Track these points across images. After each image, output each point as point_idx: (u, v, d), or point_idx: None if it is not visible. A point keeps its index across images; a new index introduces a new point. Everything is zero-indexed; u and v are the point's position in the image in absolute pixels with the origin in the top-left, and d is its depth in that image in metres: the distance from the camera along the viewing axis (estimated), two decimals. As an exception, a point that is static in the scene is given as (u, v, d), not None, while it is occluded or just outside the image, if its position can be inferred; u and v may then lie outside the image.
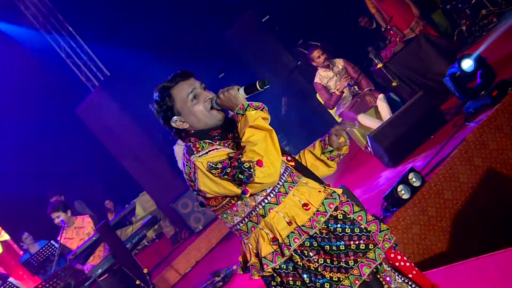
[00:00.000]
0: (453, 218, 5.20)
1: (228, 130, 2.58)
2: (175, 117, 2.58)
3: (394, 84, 7.05)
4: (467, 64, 5.64)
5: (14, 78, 11.66)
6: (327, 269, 2.43)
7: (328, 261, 2.44)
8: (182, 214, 10.12)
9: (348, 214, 2.52)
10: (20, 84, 11.79)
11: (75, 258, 6.46)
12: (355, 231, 2.48)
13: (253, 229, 2.53)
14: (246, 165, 2.32)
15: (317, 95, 7.76)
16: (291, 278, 2.48)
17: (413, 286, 2.71)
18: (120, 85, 11.21)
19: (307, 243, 2.45)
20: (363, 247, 2.46)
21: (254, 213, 2.50)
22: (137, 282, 6.42)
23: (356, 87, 7.26)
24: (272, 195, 2.49)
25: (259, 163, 2.31)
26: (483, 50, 6.20)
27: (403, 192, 5.11)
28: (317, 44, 7.70)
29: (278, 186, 2.50)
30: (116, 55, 11.52)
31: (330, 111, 7.69)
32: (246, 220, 2.52)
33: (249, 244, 2.56)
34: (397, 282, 2.64)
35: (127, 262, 6.55)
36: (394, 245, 2.58)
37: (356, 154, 7.59)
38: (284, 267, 2.48)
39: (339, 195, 2.57)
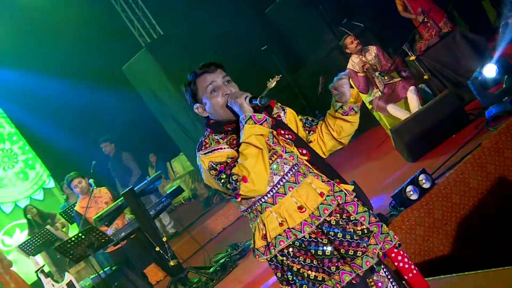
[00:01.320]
0: (459, 223, 5.27)
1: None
2: (197, 104, 2.74)
3: (425, 77, 7.07)
4: (490, 70, 5.62)
5: (69, 28, 12.06)
6: (312, 269, 2.58)
7: (315, 262, 2.59)
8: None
9: (351, 214, 2.64)
10: (74, 34, 12.16)
11: (100, 220, 6.81)
12: (346, 237, 2.58)
13: (254, 219, 2.70)
14: (234, 177, 2.49)
15: (350, 80, 7.82)
16: (279, 272, 2.67)
17: None
18: (168, 47, 11.40)
19: (297, 243, 2.60)
20: (352, 253, 2.57)
21: (253, 208, 2.66)
22: (157, 248, 6.74)
23: (386, 77, 7.29)
24: (269, 195, 2.62)
25: (244, 179, 2.47)
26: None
27: (411, 192, 5.20)
28: (349, 33, 7.70)
29: (278, 186, 2.61)
30: (171, 16, 11.74)
31: (362, 97, 7.76)
32: (249, 210, 2.69)
33: (252, 230, 2.74)
34: None
35: (149, 228, 6.85)
36: (397, 244, 2.69)
37: (384, 141, 7.66)
38: (274, 261, 2.66)
39: (346, 194, 2.67)
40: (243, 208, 2.72)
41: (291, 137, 2.74)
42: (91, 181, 7.30)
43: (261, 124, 2.54)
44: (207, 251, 7.99)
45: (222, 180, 2.53)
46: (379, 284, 2.67)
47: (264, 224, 2.64)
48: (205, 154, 2.63)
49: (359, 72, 7.48)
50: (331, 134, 2.85)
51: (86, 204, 7.20)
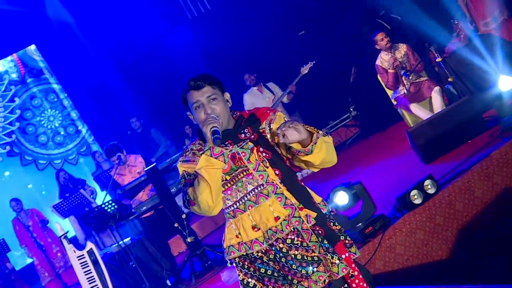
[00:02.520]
0: (460, 230, 5.42)
1: (222, 140, 2.81)
2: (189, 112, 2.97)
3: (450, 79, 7.14)
4: (506, 83, 5.69)
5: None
6: (259, 281, 2.82)
7: (257, 273, 2.82)
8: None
9: (304, 241, 2.78)
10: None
11: (123, 193, 7.15)
12: (288, 263, 2.76)
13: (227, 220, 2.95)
14: (187, 197, 2.75)
15: (378, 76, 7.94)
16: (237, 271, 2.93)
17: None
18: (212, 23, 11.59)
19: (249, 256, 2.84)
20: (290, 279, 2.76)
21: (223, 214, 2.93)
22: (176, 224, 7.05)
23: (411, 76, 7.38)
24: (231, 208, 2.86)
25: (191, 203, 2.74)
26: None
27: (416, 197, 5.36)
28: (387, 27, 7.82)
29: (240, 203, 2.83)
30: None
31: (388, 92, 7.89)
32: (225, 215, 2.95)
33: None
34: None
35: (170, 204, 7.16)
36: (350, 275, 2.86)
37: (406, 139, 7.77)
38: (234, 265, 2.93)
39: (303, 221, 2.79)
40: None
41: (267, 156, 2.86)
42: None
43: (216, 158, 2.72)
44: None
45: (182, 193, 2.81)
46: None
47: (226, 231, 2.91)
48: (181, 162, 2.89)
49: (389, 69, 7.58)
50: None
51: (121, 172, 7.56)
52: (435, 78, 7.68)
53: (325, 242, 2.83)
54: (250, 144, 2.85)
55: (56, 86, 14.60)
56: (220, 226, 8.89)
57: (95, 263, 6.79)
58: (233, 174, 2.83)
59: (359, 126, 10.35)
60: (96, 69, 12.94)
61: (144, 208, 7.16)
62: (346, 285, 2.89)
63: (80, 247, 6.87)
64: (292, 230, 2.81)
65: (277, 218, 2.79)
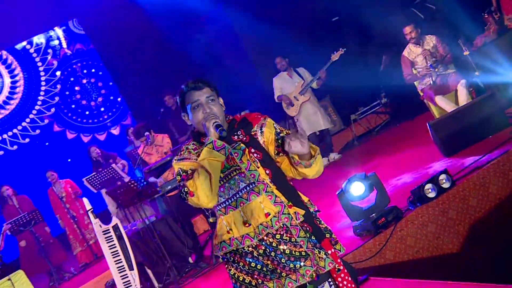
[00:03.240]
0: (472, 225, 5.49)
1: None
2: (184, 113, 3.11)
3: (476, 73, 7.14)
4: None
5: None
6: (248, 275, 2.95)
7: (247, 267, 2.95)
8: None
9: (292, 236, 2.93)
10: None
11: (149, 172, 7.38)
12: (277, 258, 2.91)
13: (217, 218, 3.08)
14: (185, 189, 2.87)
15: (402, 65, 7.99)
16: (227, 267, 3.05)
17: None
18: (248, 6, 11.68)
19: (240, 251, 2.97)
20: (279, 272, 2.90)
21: (214, 212, 3.06)
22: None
23: (437, 69, 7.41)
24: (223, 205, 2.98)
25: (191, 193, 2.85)
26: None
27: (430, 190, 5.44)
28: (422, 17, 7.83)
29: (231, 200, 2.96)
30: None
31: (415, 83, 7.93)
32: (214, 213, 3.09)
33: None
34: None
35: (194, 185, 7.34)
36: (336, 269, 2.98)
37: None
38: (226, 258, 3.05)
39: (292, 218, 2.93)
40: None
41: (259, 156, 3.00)
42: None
43: (218, 151, 2.86)
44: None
45: (179, 188, 2.94)
46: None
47: (217, 228, 3.03)
48: (177, 160, 3.03)
49: (416, 58, 7.61)
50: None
51: (148, 151, 7.80)
52: (463, 71, 7.66)
53: (313, 238, 2.96)
54: (242, 146, 2.99)
55: (96, 61, 14.95)
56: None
57: (120, 238, 7.04)
58: (226, 173, 2.96)
59: (389, 114, 10.39)
60: (137, 45, 13.18)
61: (169, 187, 7.37)
62: (330, 279, 3.01)
63: (110, 221, 7.13)
64: (282, 226, 2.94)
65: (267, 215, 2.92)
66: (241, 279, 2.97)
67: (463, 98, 7.26)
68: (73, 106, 14.81)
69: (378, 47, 10.02)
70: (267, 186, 2.97)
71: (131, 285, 6.96)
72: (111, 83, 15.08)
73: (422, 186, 5.42)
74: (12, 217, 10.19)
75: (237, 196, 2.95)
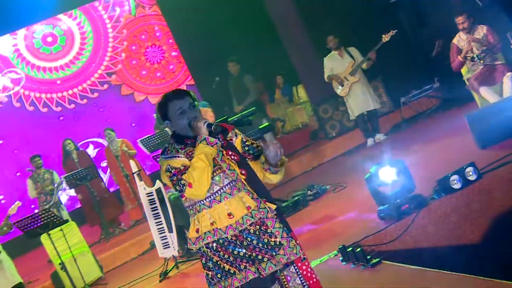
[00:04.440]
0: (495, 219, 5.57)
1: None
2: (167, 121, 3.42)
3: (523, 67, 7.15)
4: None
5: None
6: (227, 263, 3.28)
7: (230, 258, 3.29)
8: (321, 117, 11.06)
9: (268, 228, 3.30)
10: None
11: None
12: (259, 245, 3.27)
13: (192, 216, 3.40)
14: (182, 182, 3.18)
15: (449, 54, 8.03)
16: (203, 259, 3.38)
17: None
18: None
19: (220, 241, 3.30)
20: (260, 258, 3.26)
21: (194, 207, 3.36)
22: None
23: (482, 60, 7.43)
24: (208, 199, 3.30)
25: (189, 185, 3.15)
26: None
27: (455, 182, 5.58)
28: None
29: (216, 194, 3.29)
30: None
31: (462, 72, 7.98)
32: (190, 208, 3.39)
33: (190, 223, 3.45)
34: (296, 283, 3.38)
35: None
36: (302, 258, 3.36)
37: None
38: (201, 250, 3.36)
39: (268, 211, 3.31)
40: (186, 204, 3.40)
41: (236, 158, 3.38)
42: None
43: (211, 146, 3.21)
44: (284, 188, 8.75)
45: (173, 182, 3.24)
46: (288, 278, 3.37)
47: (199, 221, 3.34)
48: (165, 158, 3.32)
49: (460, 55, 7.65)
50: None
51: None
52: (511, 64, 7.65)
53: (285, 228, 3.35)
54: (221, 148, 3.34)
55: (161, 23, 15.40)
56: (279, 184, 9.26)
57: (162, 201, 7.46)
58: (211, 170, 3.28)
59: (440, 99, 10.42)
60: (203, 9, 13.50)
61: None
62: (294, 265, 3.38)
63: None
64: (259, 218, 3.30)
65: (248, 207, 3.29)
66: (222, 266, 3.30)
67: (508, 91, 7.28)
68: (136, 66, 15.31)
69: (434, 32, 9.98)
70: (245, 185, 3.36)
71: (169, 247, 7.39)
72: (174, 48, 15.50)
73: (448, 176, 5.57)
74: (71, 171, 10.80)
75: (222, 191, 3.30)
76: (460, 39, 7.75)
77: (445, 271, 4.41)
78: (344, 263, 5.19)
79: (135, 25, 15.32)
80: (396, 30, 9.20)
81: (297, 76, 13.20)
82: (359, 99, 9.78)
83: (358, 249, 5.03)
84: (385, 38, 9.26)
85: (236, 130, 3.53)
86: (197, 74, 15.14)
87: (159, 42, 15.49)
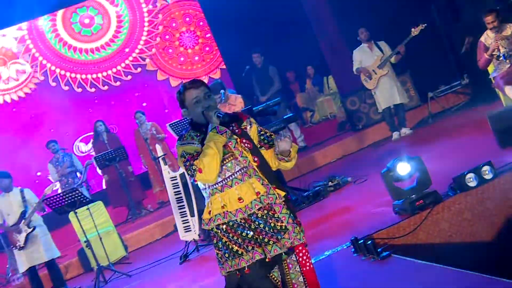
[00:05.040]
0: (508, 218, 5.67)
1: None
2: (184, 109, 3.64)
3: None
4: None
5: None
6: (236, 244, 3.47)
7: (239, 240, 3.48)
8: (348, 109, 11.14)
9: (275, 213, 3.50)
10: None
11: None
12: (266, 229, 3.46)
13: (207, 198, 3.62)
14: (193, 167, 3.38)
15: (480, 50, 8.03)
16: (214, 239, 3.58)
17: (304, 278, 3.61)
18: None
19: (230, 223, 3.50)
20: (266, 240, 3.45)
21: (208, 190, 3.58)
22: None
23: (508, 60, 7.43)
24: (220, 184, 3.51)
25: (200, 170, 3.36)
26: None
27: (471, 179, 5.64)
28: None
29: (228, 180, 3.50)
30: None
31: (489, 70, 7.99)
32: (206, 191, 3.61)
33: (206, 205, 3.66)
34: (296, 271, 3.60)
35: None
36: (304, 244, 3.56)
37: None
38: (213, 231, 3.57)
39: (276, 197, 3.51)
40: (202, 187, 3.62)
41: (249, 146, 3.56)
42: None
43: (221, 134, 3.41)
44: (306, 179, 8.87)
45: (186, 167, 3.44)
46: (290, 265, 3.60)
47: (211, 204, 3.55)
48: (181, 144, 3.53)
49: (486, 52, 7.66)
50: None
51: (221, 108, 8.30)
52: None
53: (292, 215, 3.55)
54: (235, 136, 3.54)
55: (197, 9, 15.59)
56: (303, 174, 9.41)
57: (185, 185, 7.66)
58: (224, 157, 3.49)
59: (468, 95, 10.41)
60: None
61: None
62: (295, 254, 3.61)
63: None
64: (268, 204, 3.50)
65: (257, 193, 3.49)
66: (230, 247, 3.49)
67: (533, 91, 7.29)
68: (170, 50, 15.53)
69: (466, 28, 9.95)
70: (256, 171, 3.55)
71: (190, 230, 7.59)
72: (208, 35, 15.68)
73: (464, 174, 5.64)
74: (101, 152, 11.09)
75: (233, 177, 3.51)
76: (487, 37, 7.75)
77: (453, 268, 4.45)
78: (355, 254, 5.31)
79: (170, 10, 15.53)
80: (425, 24, 9.22)
81: (328, 67, 13.27)
82: (387, 92, 9.84)
83: (369, 242, 5.13)
84: (414, 32, 9.29)
85: (252, 119, 3.71)
86: (229, 60, 15.34)
87: (194, 28, 15.68)
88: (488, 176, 5.67)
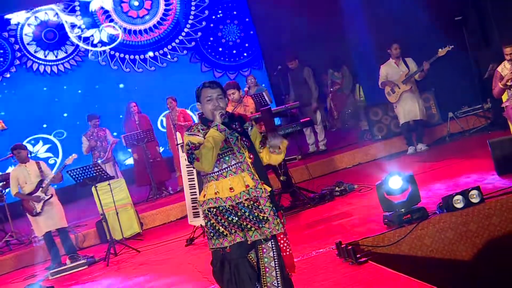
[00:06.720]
0: (489, 241, 6.01)
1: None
2: (198, 103, 4.16)
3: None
4: None
5: None
6: (222, 227, 3.98)
7: (225, 223, 3.99)
8: (369, 120, 11.49)
9: (260, 205, 3.99)
10: None
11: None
12: (250, 217, 3.97)
13: (205, 183, 4.11)
14: (193, 156, 3.91)
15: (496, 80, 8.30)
16: (206, 219, 4.09)
17: (279, 262, 4.05)
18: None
19: (220, 208, 4.00)
20: (249, 227, 3.97)
21: (206, 177, 4.08)
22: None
23: (517, 91, 7.70)
24: (216, 173, 4.00)
25: (197, 159, 3.88)
26: None
27: (458, 201, 6.01)
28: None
29: (223, 171, 3.99)
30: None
31: (503, 98, 8.26)
32: (204, 177, 4.12)
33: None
34: (269, 256, 4.06)
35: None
36: (283, 233, 4.05)
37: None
38: (205, 212, 4.07)
39: (263, 192, 4.00)
40: (202, 174, 4.13)
41: (247, 144, 4.08)
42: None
43: (220, 132, 3.89)
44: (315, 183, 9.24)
45: (188, 154, 3.98)
46: (264, 250, 4.05)
47: (207, 189, 4.07)
48: (188, 134, 4.05)
49: (501, 81, 7.94)
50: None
51: (237, 109, 8.73)
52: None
53: (274, 208, 4.04)
54: (236, 134, 4.05)
55: (241, 2, 16.15)
56: (313, 178, 9.69)
57: (199, 173, 8.10)
58: (223, 151, 3.99)
59: (489, 119, 10.66)
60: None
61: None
62: (271, 241, 4.05)
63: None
64: (255, 196, 4.00)
65: (247, 186, 4.00)
66: (216, 228, 4.02)
67: (540, 125, 7.54)
68: (211, 39, 16.13)
69: (493, 55, 10.18)
70: (249, 167, 4.05)
71: (199, 216, 8.06)
72: (251, 32, 16.22)
73: (452, 196, 6.00)
74: (131, 132, 11.66)
75: (228, 169, 4.02)
76: (504, 68, 8.02)
77: (420, 281, 4.79)
78: (338, 257, 5.71)
79: (214, 2, 16.11)
80: (452, 46, 9.49)
81: (357, 75, 13.63)
82: (407, 107, 10.14)
83: (349, 247, 5.53)
84: (441, 52, 9.57)
85: (253, 122, 4.25)
86: (267, 56, 15.84)
87: (237, 21, 16.22)
88: (475, 200, 6.03)
